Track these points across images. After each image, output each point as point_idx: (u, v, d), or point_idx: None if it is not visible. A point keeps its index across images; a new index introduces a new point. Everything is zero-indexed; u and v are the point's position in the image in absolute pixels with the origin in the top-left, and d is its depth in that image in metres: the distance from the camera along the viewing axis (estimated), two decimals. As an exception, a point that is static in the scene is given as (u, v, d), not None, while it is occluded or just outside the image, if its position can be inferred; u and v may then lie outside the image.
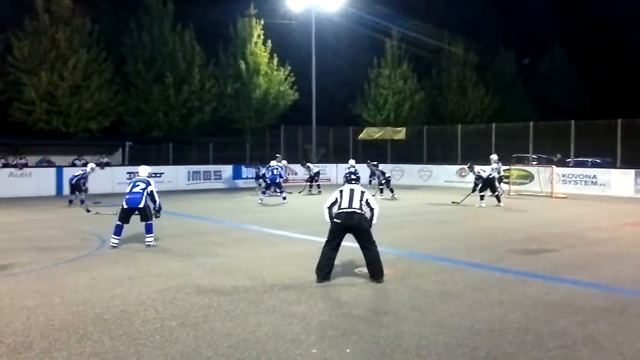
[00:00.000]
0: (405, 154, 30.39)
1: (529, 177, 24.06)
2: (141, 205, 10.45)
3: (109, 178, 23.77)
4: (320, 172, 25.07)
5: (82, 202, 17.66)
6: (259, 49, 31.14)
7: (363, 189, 8.11)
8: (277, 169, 19.73)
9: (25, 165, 23.14)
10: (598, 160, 25.62)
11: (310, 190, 23.43)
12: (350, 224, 7.77)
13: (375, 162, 22.53)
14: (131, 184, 10.79)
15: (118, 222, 10.43)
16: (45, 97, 24.87)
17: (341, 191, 8.01)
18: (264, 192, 19.81)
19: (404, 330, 5.68)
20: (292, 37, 34.25)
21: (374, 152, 28.96)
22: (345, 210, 7.80)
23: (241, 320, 6.01)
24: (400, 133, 31.38)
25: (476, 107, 37.57)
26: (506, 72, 41.85)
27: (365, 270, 8.01)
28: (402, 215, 15.90)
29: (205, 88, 29.20)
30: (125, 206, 10.48)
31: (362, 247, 7.89)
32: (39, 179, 22.86)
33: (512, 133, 27.44)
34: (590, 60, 43.52)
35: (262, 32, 31.37)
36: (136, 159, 26.79)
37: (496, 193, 18.14)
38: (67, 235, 12.14)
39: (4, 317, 6.05)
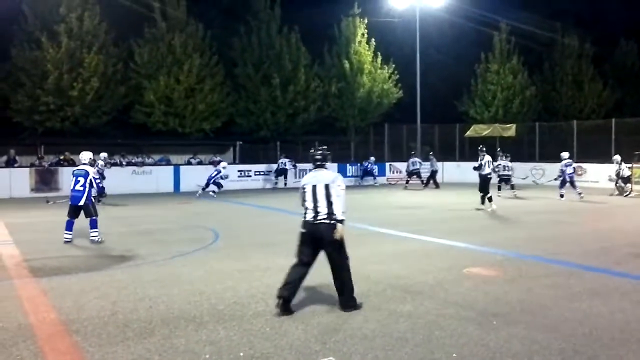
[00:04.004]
0: (516, 151, 29.17)
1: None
2: (81, 203, 10.68)
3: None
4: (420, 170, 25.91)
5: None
6: (363, 48, 31.20)
7: (330, 177, 6.32)
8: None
9: (143, 164, 24.82)
10: None
11: (406, 187, 25.22)
12: (316, 234, 6.25)
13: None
14: (73, 179, 10.84)
15: (68, 218, 10.82)
16: (163, 99, 26.46)
17: (304, 187, 6.40)
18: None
19: (514, 334, 5.49)
20: (396, 34, 34.00)
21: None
22: (309, 219, 6.28)
23: (348, 316, 6.08)
24: (510, 130, 30.18)
25: (593, 101, 35.29)
26: (627, 63, 38.91)
27: (474, 269, 7.82)
28: (512, 214, 15.33)
29: (310, 88, 29.71)
30: (70, 202, 10.86)
31: (328, 260, 6.40)
32: (158, 177, 24.41)
33: (635, 129, 25.55)
34: None
35: (366, 30, 31.40)
36: (246, 158, 27.86)
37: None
38: (182, 230, 12.88)
39: (129, 305, 6.54)
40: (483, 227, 13.22)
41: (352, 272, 8.11)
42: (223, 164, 22.34)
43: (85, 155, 11.20)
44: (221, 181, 21.56)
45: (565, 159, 19.59)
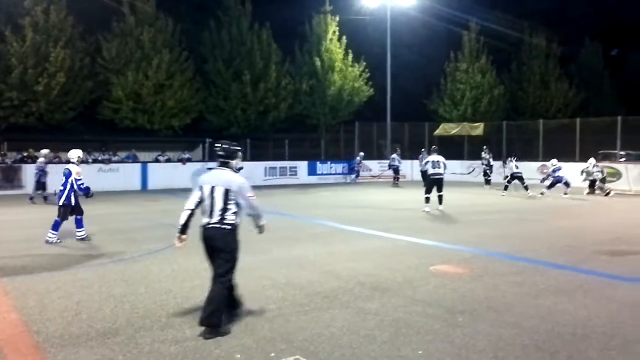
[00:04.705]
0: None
1: (617, 175, 22.87)
2: (60, 204, 10.43)
3: (190, 173, 24.70)
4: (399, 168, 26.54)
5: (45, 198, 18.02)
6: (334, 46, 31.26)
7: (234, 182, 5.58)
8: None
9: (110, 161, 24.41)
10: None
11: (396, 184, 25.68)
12: (207, 239, 5.65)
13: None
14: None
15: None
16: (131, 95, 26.08)
17: (201, 187, 5.68)
18: None
19: (479, 330, 5.56)
20: (367, 32, 34.17)
21: (451, 149, 28.44)
22: (203, 223, 5.65)
23: (315, 314, 6.08)
24: (478, 129, 30.63)
25: (559, 101, 36.05)
26: (592, 64, 39.82)
27: (441, 267, 7.87)
28: (480, 212, 15.52)
29: (281, 85, 29.65)
30: None
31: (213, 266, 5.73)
32: (125, 174, 24.04)
33: (599, 128, 26.18)
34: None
35: (337, 28, 31.44)
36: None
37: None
38: (150, 228, 12.71)
39: (93, 304, 6.42)
40: (451, 225, 13.36)
41: (323, 270, 8.17)
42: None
43: (72, 154, 10.81)
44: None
45: (555, 165, 20.10)
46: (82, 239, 10.65)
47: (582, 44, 40.17)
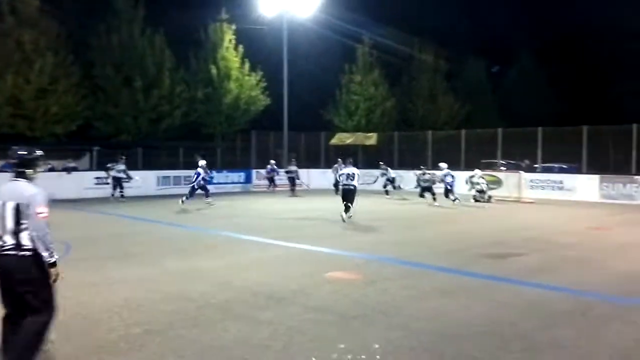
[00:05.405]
0: (377, 159, 30.58)
1: (497, 183, 24.42)
2: None
3: (76, 183, 23.39)
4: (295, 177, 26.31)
5: None
6: (230, 54, 30.99)
7: (26, 194, 4.62)
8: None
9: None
10: (564, 166, 26.15)
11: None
12: (2, 270, 4.57)
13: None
14: None
15: None
16: (10, 100, 24.28)
17: None
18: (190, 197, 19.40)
19: (371, 334, 5.69)
20: (265, 42, 34.19)
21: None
22: None
23: (207, 326, 5.95)
24: (372, 139, 31.51)
25: (446, 114, 38.03)
26: (476, 79, 42.46)
27: (335, 273, 7.98)
28: (372, 220, 15.93)
29: (175, 92, 28.90)
30: None
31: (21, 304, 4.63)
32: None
33: (481, 139, 27.87)
34: (559, 68, 44.32)
35: (234, 37, 31.23)
36: (104, 164, 26.39)
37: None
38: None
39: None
40: (347, 232, 13.62)
41: (217, 281, 8.02)
42: (201, 162, 20.00)
43: None
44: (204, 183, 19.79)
45: (444, 169, 20.98)
46: None
47: (467, 61, 42.75)
